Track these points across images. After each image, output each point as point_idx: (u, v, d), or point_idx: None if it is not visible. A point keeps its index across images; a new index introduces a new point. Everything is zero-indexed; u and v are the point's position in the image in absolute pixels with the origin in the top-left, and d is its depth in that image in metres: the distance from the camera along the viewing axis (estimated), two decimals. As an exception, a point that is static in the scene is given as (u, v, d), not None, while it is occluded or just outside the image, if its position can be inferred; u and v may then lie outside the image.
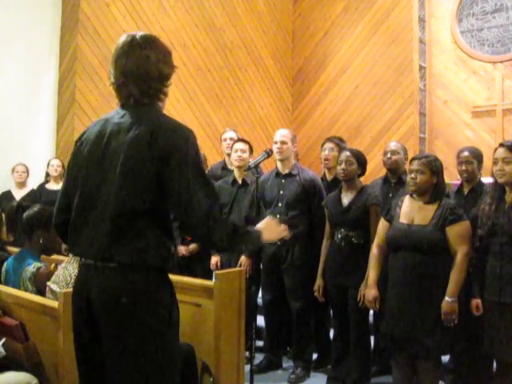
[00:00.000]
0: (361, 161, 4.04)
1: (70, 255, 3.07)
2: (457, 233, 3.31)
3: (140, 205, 1.99)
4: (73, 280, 2.90)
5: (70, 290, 2.71)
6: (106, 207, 2.00)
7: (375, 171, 5.72)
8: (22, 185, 6.14)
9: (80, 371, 2.14)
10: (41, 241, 3.32)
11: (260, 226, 2.21)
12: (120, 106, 2.15)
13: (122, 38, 2.14)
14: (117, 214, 1.98)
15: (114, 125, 2.08)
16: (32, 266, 3.16)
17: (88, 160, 2.10)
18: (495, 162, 3.19)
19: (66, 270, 2.98)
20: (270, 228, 2.24)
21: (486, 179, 4.80)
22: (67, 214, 2.15)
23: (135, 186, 1.98)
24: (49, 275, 3.13)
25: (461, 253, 3.27)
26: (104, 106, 6.59)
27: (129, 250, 1.98)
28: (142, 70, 2.07)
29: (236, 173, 4.78)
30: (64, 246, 4.95)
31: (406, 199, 3.50)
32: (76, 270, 2.95)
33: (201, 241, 2.14)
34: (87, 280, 2.04)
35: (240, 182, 4.74)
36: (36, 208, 3.39)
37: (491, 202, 3.25)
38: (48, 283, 3.03)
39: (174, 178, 1.96)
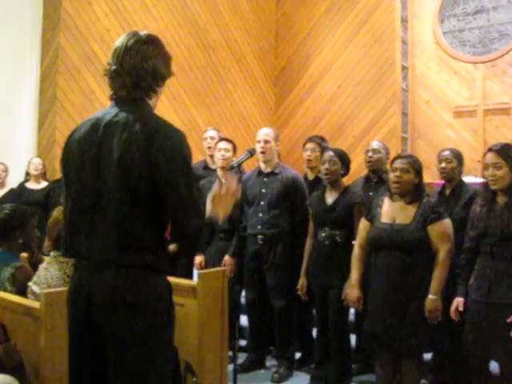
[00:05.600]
0: (344, 160, 4.06)
1: (51, 254, 3.05)
2: (438, 231, 3.33)
3: (140, 209, 1.98)
4: (55, 282, 2.88)
5: (52, 290, 2.70)
6: (105, 209, 1.99)
7: (358, 171, 5.73)
8: (1, 184, 6.08)
9: (74, 374, 2.11)
10: (20, 240, 3.29)
11: (210, 204, 2.23)
12: (111, 99, 2.14)
13: (126, 34, 2.16)
14: (116, 215, 1.97)
15: (107, 125, 2.05)
16: (10, 267, 3.12)
17: (81, 162, 2.07)
18: (486, 168, 3.20)
19: (47, 271, 2.95)
20: (218, 200, 2.25)
21: (468, 179, 4.85)
22: None
23: (133, 187, 1.97)
24: (29, 275, 3.10)
25: (443, 251, 3.30)
26: (86, 105, 6.54)
27: (130, 251, 1.98)
28: (138, 62, 2.08)
29: (219, 172, 4.77)
30: (46, 244, 4.92)
31: (386, 199, 3.52)
32: (58, 272, 2.93)
33: (185, 246, 2.12)
34: (87, 281, 2.02)
35: (223, 181, 4.73)
36: (7, 210, 3.33)
37: (483, 204, 3.26)
38: (29, 284, 3.00)
39: (169, 181, 1.96)
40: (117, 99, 2.12)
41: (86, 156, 2.06)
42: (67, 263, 2.92)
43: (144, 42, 2.11)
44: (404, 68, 8.68)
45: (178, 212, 1.99)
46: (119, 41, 2.14)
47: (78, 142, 2.10)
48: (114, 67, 2.09)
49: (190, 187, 1.99)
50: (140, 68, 2.08)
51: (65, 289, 2.23)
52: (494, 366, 3.29)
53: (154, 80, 2.13)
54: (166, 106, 7.60)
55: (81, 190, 2.07)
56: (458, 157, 4.07)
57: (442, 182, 4.18)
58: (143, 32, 2.17)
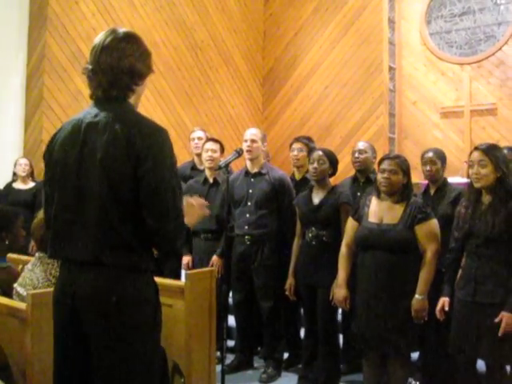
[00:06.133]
0: (332, 160, 4.07)
1: (36, 255, 3.02)
2: (426, 231, 3.35)
3: (124, 209, 1.97)
4: (40, 284, 2.86)
5: (38, 291, 2.68)
6: (89, 210, 1.98)
7: (345, 171, 5.75)
8: (-13, 185, 6.04)
9: (59, 374, 2.10)
10: (6, 242, 3.26)
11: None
12: (91, 98, 2.12)
13: (104, 32, 2.12)
14: (100, 216, 1.96)
15: (88, 125, 2.03)
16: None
17: (64, 163, 2.06)
18: (471, 166, 3.22)
19: (32, 272, 2.93)
20: (189, 211, 2.20)
21: (453, 179, 4.88)
22: None
23: (116, 187, 1.96)
24: (15, 277, 3.07)
25: (430, 251, 3.32)
26: (73, 105, 6.51)
27: (114, 251, 1.96)
28: (114, 61, 2.04)
29: (207, 172, 4.77)
30: (32, 245, 4.89)
31: (374, 199, 3.53)
32: (43, 273, 2.90)
33: (163, 247, 2.09)
34: (72, 282, 2.01)
35: (211, 181, 4.73)
36: None
37: (468, 204, 3.28)
38: (15, 285, 2.97)
39: (150, 179, 1.94)
40: (96, 99, 2.10)
41: (68, 157, 2.04)
42: (52, 264, 2.90)
43: (121, 40, 2.08)
44: (391, 69, 8.71)
45: (154, 213, 1.96)
46: (97, 39, 2.10)
47: (61, 143, 2.09)
48: (90, 66, 2.07)
49: (169, 187, 1.97)
50: (116, 67, 2.05)
51: (51, 290, 2.21)
52: (480, 365, 3.30)
53: (131, 79, 2.09)
54: (154, 105, 7.58)
55: (64, 191, 2.05)
56: (441, 157, 4.10)
57: (427, 182, 4.21)
58: (121, 29, 2.13)
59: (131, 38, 2.11)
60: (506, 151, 3.56)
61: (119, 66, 2.05)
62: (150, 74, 2.18)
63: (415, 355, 3.93)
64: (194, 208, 2.24)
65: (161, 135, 2.02)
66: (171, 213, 1.96)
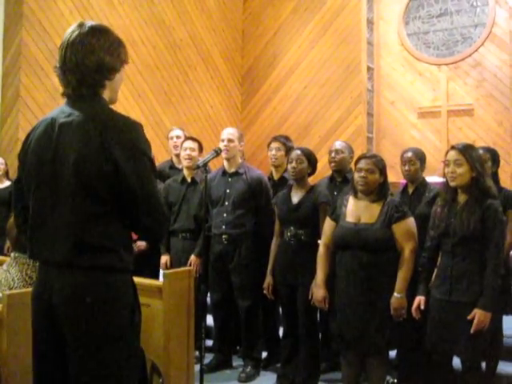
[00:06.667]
0: (311, 160, 4.08)
1: (12, 255, 2.99)
2: (403, 230, 3.38)
3: (100, 208, 1.95)
4: (16, 284, 2.83)
5: (14, 292, 2.65)
6: (64, 211, 1.95)
7: (323, 170, 5.76)
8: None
9: (38, 376, 2.07)
10: None
11: None
12: (64, 96, 2.08)
13: (72, 27, 2.06)
14: (75, 216, 1.94)
15: (61, 124, 2.00)
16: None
17: (38, 164, 2.02)
18: (447, 164, 3.26)
19: (7, 273, 2.89)
20: None
21: (431, 178, 4.92)
22: (24, 215, 2.12)
23: (91, 187, 1.93)
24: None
25: (408, 249, 3.35)
26: (50, 103, 6.44)
27: (91, 252, 1.94)
28: (80, 58, 1.99)
29: (185, 171, 4.75)
30: (7, 246, 4.83)
31: (351, 198, 3.55)
32: (19, 273, 2.87)
33: (151, 239, 2.11)
34: (49, 282, 1.98)
35: (189, 180, 4.72)
36: None
37: (443, 204, 3.31)
38: (-11, 286, 2.94)
39: (129, 175, 1.93)
40: (68, 97, 2.07)
41: (42, 157, 2.01)
42: (28, 264, 2.87)
43: (86, 35, 2.01)
44: (369, 69, 8.77)
45: (135, 208, 1.96)
46: (65, 35, 2.05)
47: (35, 143, 2.05)
48: (59, 65, 2.03)
49: (148, 182, 1.97)
50: (82, 64, 1.99)
51: (27, 290, 2.19)
52: (456, 362, 3.34)
53: (99, 74, 2.03)
54: (132, 104, 7.54)
55: (39, 192, 2.02)
56: (420, 158, 4.13)
57: (405, 181, 4.24)
58: (89, 23, 2.06)
59: (97, 32, 2.04)
60: (481, 151, 3.60)
61: (84, 63, 2.00)
62: (123, 66, 2.12)
63: (392, 353, 3.96)
64: None
65: (134, 130, 2.00)
66: (149, 206, 1.96)
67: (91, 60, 2.00)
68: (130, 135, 1.97)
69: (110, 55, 2.05)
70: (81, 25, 2.05)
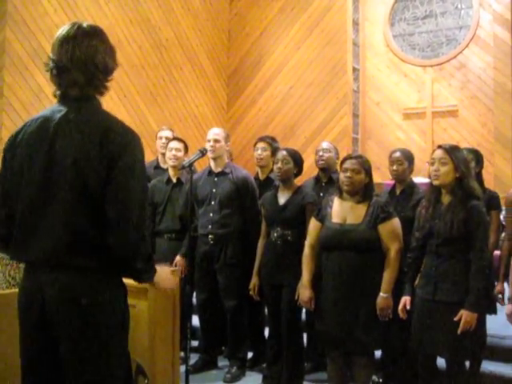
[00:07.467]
0: (297, 160, 4.08)
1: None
2: (388, 230, 3.39)
3: (93, 210, 1.92)
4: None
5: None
6: (57, 212, 1.93)
7: (309, 171, 5.77)
8: None
9: (27, 379, 2.04)
10: None
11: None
12: (58, 96, 2.04)
13: (67, 26, 2.04)
14: (68, 217, 1.92)
15: (58, 124, 1.97)
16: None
17: (30, 164, 1.99)
18: (432, 163, 3.29)
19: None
20: (162, 278, 2.20)
21: (418, 179, 4.95)
22: (8, 226, 2.04)
23: (86, 188, 1.91)
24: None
25: (393, 249, 3.36)
26: (34, 102, 6.39)
27: (83, 253, 1.92)
28: (90, 59, 1.99)
29: (170, 172, 4.73)
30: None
31: (336, 199, 3.56)
32: (1, 275, 2.84)
33: (117, 256, 1.99)
34: (40, 285, 1.95)
35: (174, 180, 4.70)
36: None
37: (428, 205, 3.33)
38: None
39: (119, 181, 1.91)
40: (65, 97, 2.03)
41: (35, 157, 1.98)
42: (11, 265, 2.85)
43: (90, 35, 2.01)
44: (355, 70, 8.80)
45: (116, 219, 1.91)
46: (63, 33, 2.02)
47: (27, 142, 2.01)
48: (61, 63, 1.98)
49: (138, 193, 1.94)
50: (91, 63, 1.99)
51: (11, 291, 2.16)
52: (440, 362, 3.36)
53: (104, 76, 2.05)
54: (117, 104, 7.51)
55: (29, 191, 1.99)
56: (408, 158, 4.14)
57: (392, 182, 4.25)
58: (85, 23, 2.06)
59: (100, 33, 2.06)
60: (464, 152, 3.63)
61: (94, 62, 2.00)
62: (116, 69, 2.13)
63: (378, 353, 3.97)
64: (166, 278, 2.23)
65: (133, 136, 1.99)
66: (130, 220, 1.91)
67: (100, 60, 2.01)
68: (129, 141, 1.96)
69: (111, 59, 2.07)
70: (79, 25, 2.03)
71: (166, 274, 2.25)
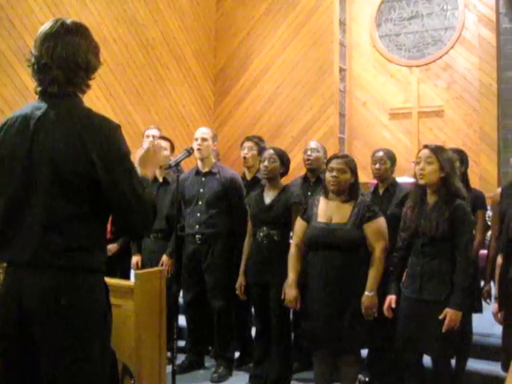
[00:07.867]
0: (283, 160, 4.08)
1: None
2: (374, 229, 3.41)
3: (75, 208, 1.91)
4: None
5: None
6: (39, 212, 1.91)
7: (296, 171, 5.79)
8: None
9: (6, 381, 2.01)
10: None
11: (139, 167, 2.17)
12: (39, 93, 2.02)
13: (50, 22, 2.02)
14: (51, 218, 1.90)
15: (38, 121, 1.95)
16: None
17: (10, 162, 1.97)
18: (418, 162, 3.31)
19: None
20: (147, 162, 2.22)
21: (401, 179, 4.98)
22: None
23: (69, 188, 1.90)
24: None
25: (378, 248, 3.38)
26: (20, 102, 6.32)
27: (65, 253, 1.90)
28: (72, 56, 1.96)
29: (157, 171, 4.71)
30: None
31: (322, 199, 3.57)
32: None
33: (132, 237, 2.11)
34: (19, 285, 1.93)
35: (161, 180, 4.68)
36: None
37: (413, 205, 3.35)
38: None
39: (108, 178, 1.90)
40: (46, 94, 2.01)
41: (15, 154, 1.96)
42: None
43: (73, 32, 1.99)
44: (342, 70, 8.83)
45: (120, 209, 1.96)
46: (45, 29, 1.99)
47: (7, 139, 1.99)
48: (43, 60, 1.97)
49: (130, 182, 1.94)
50: (72, 61, 1.97)
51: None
52: (426, 361, 3.38)
53: (86, 74, 2.03)
54: (104, 103, 7.47)
55: (9, 190, 1.97)
56: (391, 158, 4.17)
57: (376, 181, 4.27)
58: (69, 20, 2.02)
59: (83, 31, 2.03)
60: (449, 152, 3.65)
61: (76, 60, 1.98)
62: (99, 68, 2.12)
63: (364, 352, 3.99)
64: (149, 155, 2.23)
65: (113, 130, 1.97)
66: (134, 206, 1.96)
67: (82, 58, 1.99)
68: (107, 134, 1.94)
69: (94, 57, 2.05)
70: (62, 22, 2.01)
71: (147, 156, 2.24)
